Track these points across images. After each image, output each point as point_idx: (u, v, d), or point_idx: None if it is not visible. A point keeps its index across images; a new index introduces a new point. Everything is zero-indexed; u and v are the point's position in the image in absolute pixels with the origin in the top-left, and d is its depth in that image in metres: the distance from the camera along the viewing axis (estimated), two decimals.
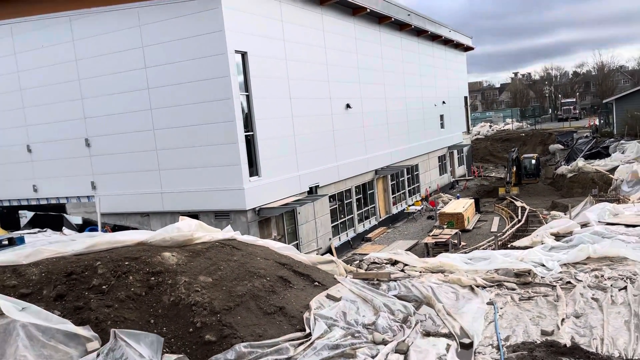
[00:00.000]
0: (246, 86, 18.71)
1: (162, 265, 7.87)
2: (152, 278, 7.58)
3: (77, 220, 21.37)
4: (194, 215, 17.18)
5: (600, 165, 34.79)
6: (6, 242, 9.77)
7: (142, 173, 19.87)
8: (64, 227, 20.41)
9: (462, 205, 27.57)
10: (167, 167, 19.37)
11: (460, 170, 46.03)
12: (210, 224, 11.28)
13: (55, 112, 21.37)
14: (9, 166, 22.98)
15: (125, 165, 20.17)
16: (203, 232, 9.47)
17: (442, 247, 21.77)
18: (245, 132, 18.43)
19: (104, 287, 7.26)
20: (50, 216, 21.69)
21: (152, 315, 7.01)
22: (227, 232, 10.00)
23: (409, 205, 32.71)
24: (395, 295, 9.13)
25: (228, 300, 7.42)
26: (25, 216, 22.32)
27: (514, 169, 36.95)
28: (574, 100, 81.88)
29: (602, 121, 52.25)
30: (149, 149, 19.54)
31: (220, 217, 18.56)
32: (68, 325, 6.23)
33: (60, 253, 8.09)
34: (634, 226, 14.59)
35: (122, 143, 20.10)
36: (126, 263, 7.78)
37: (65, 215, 21.64)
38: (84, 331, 6.23)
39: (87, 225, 20.91)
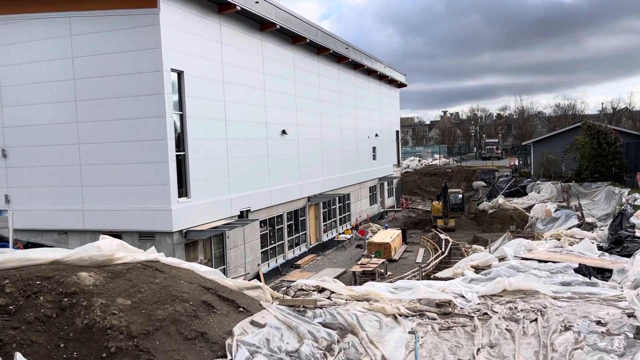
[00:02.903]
0: (180, 105, 18.40)
1: (77, 285, 7.46)
2: (65, 299, 7.16)
3: None
4: (117, 234, 16.44)
5: (518, 203, 36.87)
6: None
7: (62, 188, 18.86)
8: None
9: (390, 236, 28.22)
10: (91, 184, 18.51)
11: (390, 201, 47.26)
12: (134, 245, 10.85)
13: None
14: None
15: (45, 180, 19.08)
16: (125, 253, 9.08)
17: (369, 275, 22.08)
18: (176, 151, 18.04)
19: (10, 307, 6.77)
20: None
21: (62, 339, 6.59)
22: (151, 254, 9.65)
23: (340, 234, 33.08)
24: (320, 323, 9.13)
25: (147, 324, 7.13)
26: None
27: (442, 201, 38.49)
28: (497, 140, 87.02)
29: (521, 162, 55.63)
30: (73, 164, 18.63)
31: (144, 238, 17.89)
32: None
33: None
34: (545, 262, 15.54)
35: (42, 156, 19.05)
36: (37, 282, 7.31)
37: None
38: None
39: None
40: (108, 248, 9.08)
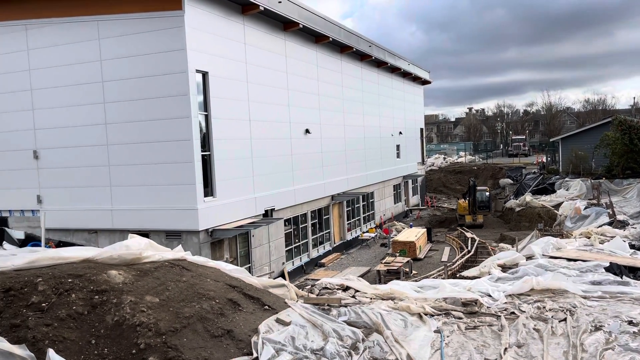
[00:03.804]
0: (205, 106, 18.62)
1: (107, 283, 7.63)
2: (96, 297, 7.33)
3: (19, 235, 20.41)
4: (145, 234, 16.73)
5: (546, 200, 36.20)
6: None
7: (92, 189, 19.29)
8: (4, 242, 19.50)
9: (414, 234, 28.04)
10: (119, 184, 18.88)
11: (414, 199, 46.93)
12: (161, 244, 11.04)
13: (3, 122, 20.59)
14: None
15: (75, 180, 19.54)
16: (152, 251, 9.25)
17: (394, 274, 21.99)
18: (202, 151, 18.27)
19: (43, 304, 6.96)
20: None
21: (93, 336, 6.76)
22: (178, 252, 9.81)
23: (363, 232, 33.00)
24: (345, 321, 9.15)
25: (174, 321, 7.25)
26: None
27: (470, 198, 38.10)
28: (524, 137, 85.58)
29: (549, 159, 54.62)
30: (102, 164, 19.04)
31: (171, 236, 18.18)
32: (3, 343, 5.93)
33: None
34: (575, 260, 15.23)
35: (73, 157, 19.51)
36: (69, 280, 7.50)
37: (6, 229, 20.64)
38: (20, 350, 5.94)
39: (30, 241, 19.99)
40: (136, 247, 9.27)
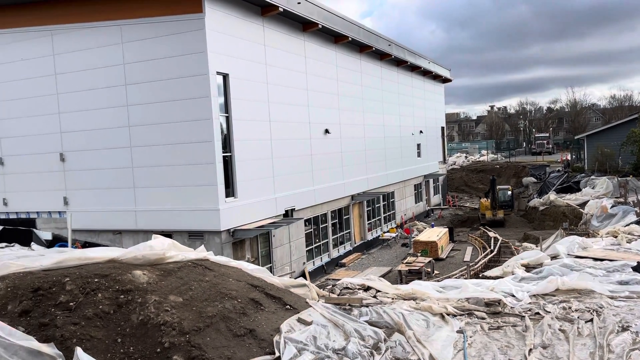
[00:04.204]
0: (226, 107, 18.79)
1: (132, 283, 7.76)
2: (122, 296, 7.47)
3: (46, 235, 20.89)
4: (168, 234, 16.96)
5: (571, 199, 35.57)
6: None
7: (116, 190, 19.63)
8: (32, 243, 19.97)
9: (436, 234, 27.83)
10: (142, 185, 19.17)
11: (436, 199, 46.57)
12: (184, 244, 11.18)
13: (31, 126, 21.09)
14: None
15: (100, 182, 19.91)
16: (175, 252, 9.38)
17: (415, 274, 21.86)
18: (223, 152, 18.44)
19: (71, 304, 7.12)
20: (19, 231, 21.16)
21: (119, 334, 6.89)
22: (200, 252, 9.92)
23: (384, 232, 32.88)
24: (366, 321, 9.14)
25: (198, 320, 7.35)
26: None
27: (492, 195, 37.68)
28: (548, 135, 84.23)
29: (573, 156, 53.69)
30: (125, 166, 19.36)
31: (194, 237, 18.39)
32: (32, 342, 6.08)
33: (27, 268, 7.92)
34: (601, 260, 14.93)
35: (98, 159, 19.88)
36: (95, 280, 7.65)
37: (34, 230, 21.15)
38: (48, 349, 6.09)
39: (57, 241, 20.46)
40: (160, 247, 9.41)
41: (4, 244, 19.45)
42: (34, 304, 7.04)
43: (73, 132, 20.31)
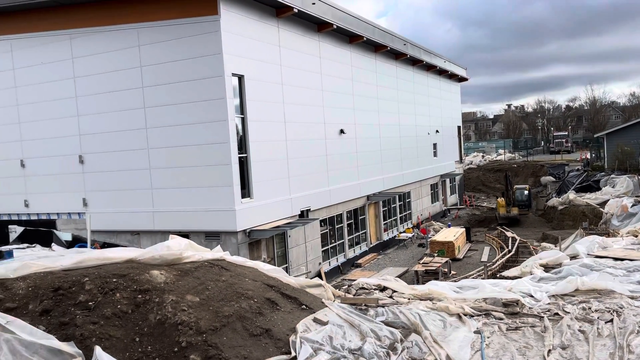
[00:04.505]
0: (242, 109, 18.89)
1: (149, 283, 7.85)
2: (139, 296, 7.56)
3: (66, 236, 21.22)
4: (185, 234, 17.10)
5: (591, 198, 35.06)
6: None
7: (134, 191, 19.85)
8: (53, 243, 20.31)
9: (453, 234, 27.63)
10: (159, 186, 19.37)
11: (452, 199, 46.24)
12: (201, 244, 11.27)
13: (50, 128, 21.43)
14: (2, 180, 22.90)
15: (118, 183, 20.16)
16: (192, 252, 9.46)
17: (432, 275, 21.73)
18: (239, 153, 18.54)
19: (90, 303, 7.23)
20: (40, 232, 21.55)
21: (137, 334, 6.97)
22: (217, 253, 9.99)
23: (400, 232, 32.74)
24: (382, 321, 9.12)
25: (214, 320, 7.40)
26: (15, 231, 22.15)
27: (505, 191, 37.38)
28: (566, 133, 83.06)
29: (593, 155, 52.88)
30: (143, 168, 19.57)
31: (210, 237, 18.51)
32: (52, 341, 6.19)
33: (48, 268, 8.06)
34: (622, 259, 14.69)
35: (115, 161, 20.13)
36: (114, 280, 7.76)
37: (55, 231, 21.50)
38: (68, 347, 6.19)
39: (77, 242, 20.77)
40: (177, 247, 9.50)
41: (25, 245, 19.82)
42: (54, 303, 7.16)
43: (91, 135, 20.60)
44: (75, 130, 20.85)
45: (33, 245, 19.92)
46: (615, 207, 29.55)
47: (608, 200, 32.23)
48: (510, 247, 25.28)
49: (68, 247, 20.07)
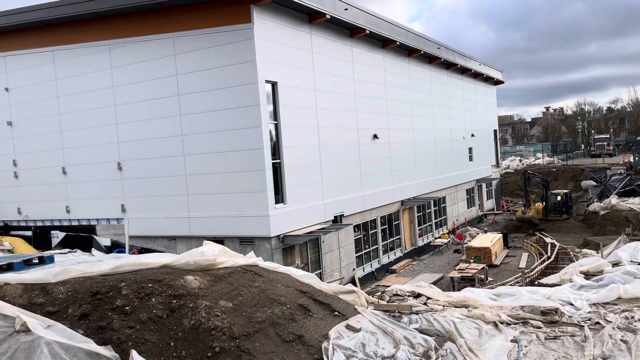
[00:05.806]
0: (275, 115, 19.05)
1: (184, 288, 7.98)
2: (174, 301, 7.68)
3: (106, 242, 21.83)
4: (220, 240, 17.35)
5: (634, 203, 33.80)
6: (36, 261, 10.08)
7: (170, 197, 20.25)
8: (93, 248, 20.94)
9: (489, 240, 27.08)
10: (195, 192, 19.70)
11: (489, 204, 45.35)
12: (235, 250, 11.40)
13: (91, 136, 22.11)
14: (45, 187, 23.74)
15: (155, 190, 20.60)
16: (226, 257, 9.57)
17: (468, 281, 21.34)
18: (272, 159, 18.69)
19: (127, 308, 7.39)
20: (80, 237, 22.24)
21: (172, 338, 7.08)
22: (250, 258, 10.08)
23: (436, 238, 32.28)
24: (416, 329, 9.00)
25: (247, 326, 7.45)
26: (57, 236, 22.94)
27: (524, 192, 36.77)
28: (608, 136, 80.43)
29: (637, 158, 51.01)
30: (179, 174, 19.96)
31: (245, 243, 18.69)
32: (90, 345, 6.35)
33: (87, 273, 8.29)
34: None
35: (152, 168, 20.60)
36: (149, 285, 7.91)
37: (94, 236, 22.15)
38: (106, 351, 6.34)
39: (116, 247, 21.33)
40: (211, 253, 9.63)
41: (67, 250, 20.49)
42: (92, 307, 7.35)
43: (129, 142, 21.14)
44: (114, 138, 21.45)
45: (74, 250, 20.57)
46: None
47: None
48: (549, 254, 24.61)
49: (107, 252, 20.66)
